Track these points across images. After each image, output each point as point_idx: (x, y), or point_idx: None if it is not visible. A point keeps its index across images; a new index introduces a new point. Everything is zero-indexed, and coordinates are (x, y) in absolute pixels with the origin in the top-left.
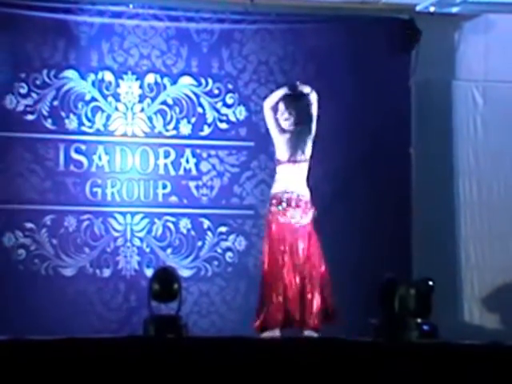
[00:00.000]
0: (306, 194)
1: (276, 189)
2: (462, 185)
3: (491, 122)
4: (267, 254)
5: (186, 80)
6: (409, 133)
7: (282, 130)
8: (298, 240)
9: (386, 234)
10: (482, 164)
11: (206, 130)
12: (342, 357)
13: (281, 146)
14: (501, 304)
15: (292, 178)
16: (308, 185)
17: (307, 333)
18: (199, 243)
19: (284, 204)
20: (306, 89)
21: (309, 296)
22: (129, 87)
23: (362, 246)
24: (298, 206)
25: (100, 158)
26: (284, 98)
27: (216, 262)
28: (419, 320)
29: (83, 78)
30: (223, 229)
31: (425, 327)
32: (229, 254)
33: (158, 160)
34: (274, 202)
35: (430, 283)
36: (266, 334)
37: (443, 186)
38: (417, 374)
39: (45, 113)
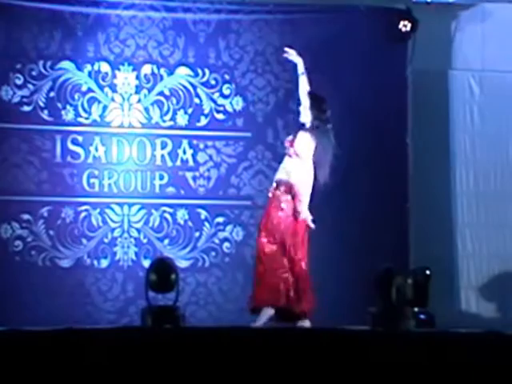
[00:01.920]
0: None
1: (285, 176)
2: (458, 174)
3: (488, 111)
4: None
5: (183, 71)
6: (406, 122)
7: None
8: (296, 233)
9: (384, 224)
10: (479, 153)
11: (203, 121)
12: (341, 345)
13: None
14: (497, 292)
15: (298, 170)
16: None
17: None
18: (196, 234)
19: (293, 194)
20: None
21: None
22: (125, 78)
23: (360, 236)
24: (300, 200)
25: (97, 149)
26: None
27: (213, 253)
28: (416, 309)
29: (79, 68)
30: (220, 219)
31: (422, 316)
32: (226, 244)
33: (155, 151)
34: (282, 189)
35: (427, 272)
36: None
37: (440, 175)
38: (414, 363)
39: (41, 104)
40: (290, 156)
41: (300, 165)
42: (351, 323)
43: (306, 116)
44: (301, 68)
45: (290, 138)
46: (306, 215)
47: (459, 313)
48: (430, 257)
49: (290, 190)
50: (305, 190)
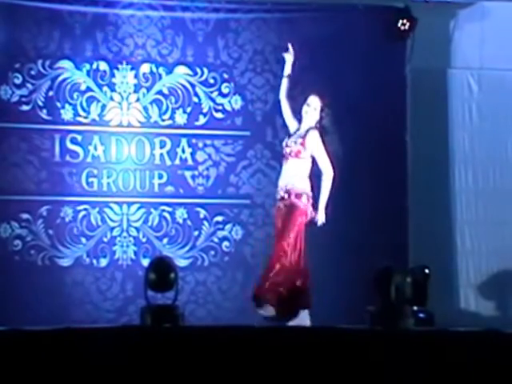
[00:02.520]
0: None
1: (298, 182)
2: (457, 171)
3: (486, 110)
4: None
5: (182, 70)
6: (405, 120)
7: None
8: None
9: (383, 222)
10: (478, 150)
11: (202, 120)
12: (340, 344)
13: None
14: (496, 290)
15: (309, 174)
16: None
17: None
18: (195, 233)
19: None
20: None
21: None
22: (124, 77)
23: (359, 235)
24: (316, 205)
25: (96, 149)
26: None
27: (212, 252)
28: (415, 308)
29: (78, 68)
30: (219, 218)
31: (421, 315)
32: (225, 243)
33: (154, 150)
34: (297, 196)
35: (426, 271)
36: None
37: (439, 172)
38: (413, 361)
39: (40, 103)
40: (299, 158)
41: (311, 166)
42: (350, 322)
43: (289, 118)
44: (287, 70)
45: (300, 140)
46: (322, 219)
47: (458, 311)
48: (429, 255)
49: (304, 196)
50: (322, 195)
